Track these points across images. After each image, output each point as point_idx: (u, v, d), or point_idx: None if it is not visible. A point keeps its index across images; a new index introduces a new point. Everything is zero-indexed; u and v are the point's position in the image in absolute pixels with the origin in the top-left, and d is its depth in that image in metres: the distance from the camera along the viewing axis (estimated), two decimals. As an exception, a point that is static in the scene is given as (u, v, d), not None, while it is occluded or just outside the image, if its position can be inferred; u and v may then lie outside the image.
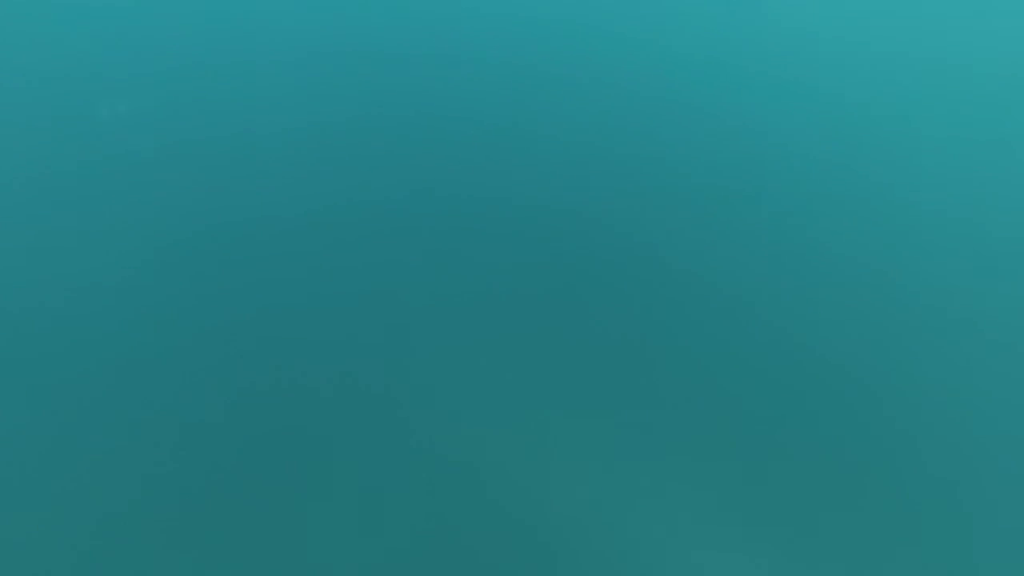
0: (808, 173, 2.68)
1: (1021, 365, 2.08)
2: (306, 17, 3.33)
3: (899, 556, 1.71)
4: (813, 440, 1.92)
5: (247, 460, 1.84)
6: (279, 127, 2.74)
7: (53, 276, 2.23)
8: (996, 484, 1.84)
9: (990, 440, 1.93)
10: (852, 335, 2.16)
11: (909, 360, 2.09)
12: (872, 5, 3.72)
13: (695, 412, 1.96)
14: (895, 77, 3.14)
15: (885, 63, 3.23)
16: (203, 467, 1.82)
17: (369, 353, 2.05)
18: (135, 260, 2.27)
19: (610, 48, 3.29)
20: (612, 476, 1.82)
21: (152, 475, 1.81)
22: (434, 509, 1.76)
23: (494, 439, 1.89)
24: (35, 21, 3.27)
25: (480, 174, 2.60)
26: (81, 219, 2.40)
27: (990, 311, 2.24)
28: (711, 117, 2.93)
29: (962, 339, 2.15)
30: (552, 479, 1.82)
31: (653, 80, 3.04)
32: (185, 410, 1.95)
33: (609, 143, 2.78)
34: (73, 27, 3.23)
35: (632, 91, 3.01)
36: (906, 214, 2.54)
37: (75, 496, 1.77)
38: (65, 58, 3.05)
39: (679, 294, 2.24)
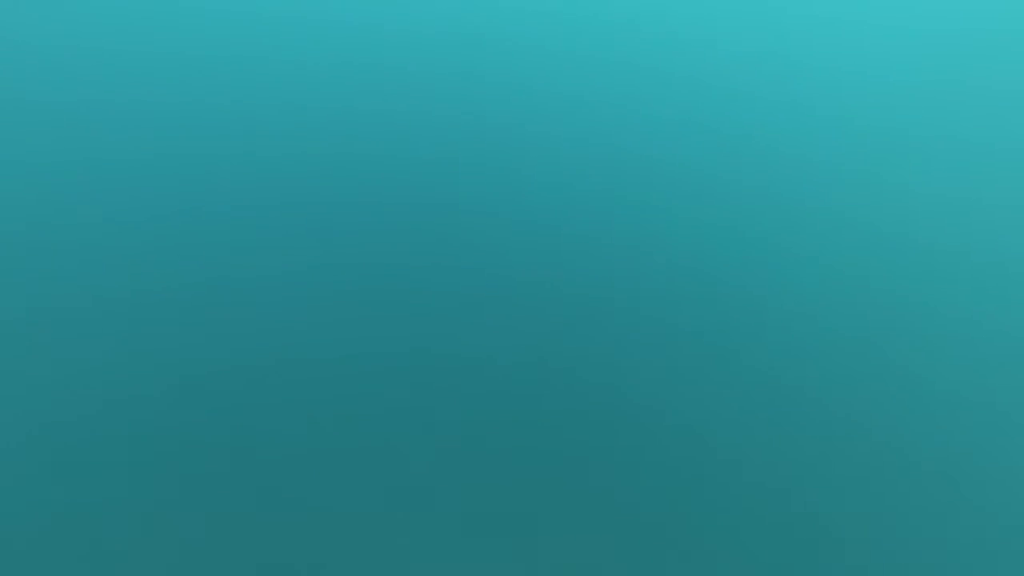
0: (808, 331, 2.55)
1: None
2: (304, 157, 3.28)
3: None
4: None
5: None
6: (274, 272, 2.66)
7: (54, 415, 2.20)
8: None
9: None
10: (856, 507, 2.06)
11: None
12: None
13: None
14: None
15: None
16: None
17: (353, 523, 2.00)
18: (120, 408, 2.22)
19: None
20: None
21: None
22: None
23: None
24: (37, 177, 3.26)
25: (475, 332, 2.49)
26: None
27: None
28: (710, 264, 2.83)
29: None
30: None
31: (648, 236, 2.88)
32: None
33: (607, 294, 2.66)
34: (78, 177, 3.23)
35: (625, 239, 2.87)
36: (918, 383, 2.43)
37: None
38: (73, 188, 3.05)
39: (674, 460, 2.16)
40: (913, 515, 2.03)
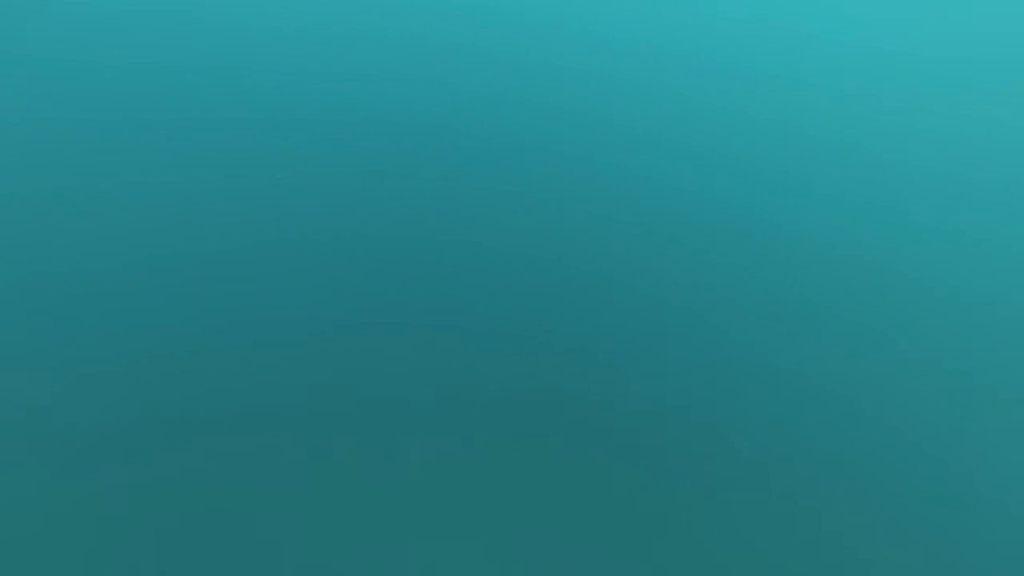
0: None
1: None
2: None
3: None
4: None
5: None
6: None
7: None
8: None
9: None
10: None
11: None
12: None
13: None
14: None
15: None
16: None
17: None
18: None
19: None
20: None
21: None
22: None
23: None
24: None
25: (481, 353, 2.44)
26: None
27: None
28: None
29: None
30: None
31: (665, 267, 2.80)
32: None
33: (611, 284, 2.63)
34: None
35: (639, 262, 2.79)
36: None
37: None
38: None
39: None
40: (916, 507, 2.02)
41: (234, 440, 2.08)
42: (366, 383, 2.26)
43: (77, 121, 3.20)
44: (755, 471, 2.09)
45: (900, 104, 3.67)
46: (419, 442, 2.12)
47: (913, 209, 3.04)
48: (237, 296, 2.49)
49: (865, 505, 2.02)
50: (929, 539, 1.95)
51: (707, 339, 2.46)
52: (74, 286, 2.49)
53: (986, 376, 2.38)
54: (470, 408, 2.22)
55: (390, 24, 4.07)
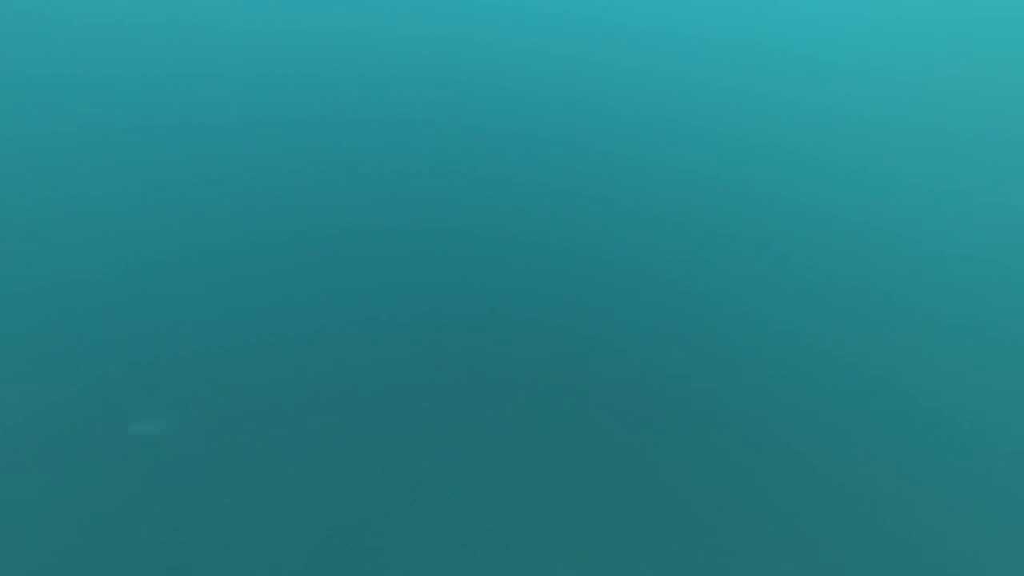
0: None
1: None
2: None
3: None
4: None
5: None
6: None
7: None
8: None
9: None
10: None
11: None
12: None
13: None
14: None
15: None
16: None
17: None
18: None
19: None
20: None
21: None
22: None
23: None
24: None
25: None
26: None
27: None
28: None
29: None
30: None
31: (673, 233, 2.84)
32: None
33: (618, 263, 2.63)
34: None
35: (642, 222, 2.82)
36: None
37: None
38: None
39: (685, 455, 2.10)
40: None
41: (234, 434, 2.09)
42: (367, 374, 2.26)
43: (80, 126, 3.19)
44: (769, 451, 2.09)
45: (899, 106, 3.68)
46: (419, 434, 2.12)
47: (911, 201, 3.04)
48: (241, 294, 2.48)
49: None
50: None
51: (710, 322, 2.46)
52: (74, 287, 2.48)
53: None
54: (471, 397, 2.22)
55: (388, 22, 4.06)
